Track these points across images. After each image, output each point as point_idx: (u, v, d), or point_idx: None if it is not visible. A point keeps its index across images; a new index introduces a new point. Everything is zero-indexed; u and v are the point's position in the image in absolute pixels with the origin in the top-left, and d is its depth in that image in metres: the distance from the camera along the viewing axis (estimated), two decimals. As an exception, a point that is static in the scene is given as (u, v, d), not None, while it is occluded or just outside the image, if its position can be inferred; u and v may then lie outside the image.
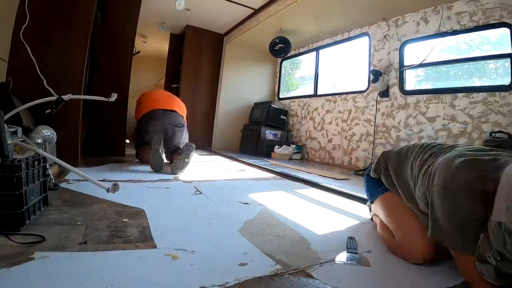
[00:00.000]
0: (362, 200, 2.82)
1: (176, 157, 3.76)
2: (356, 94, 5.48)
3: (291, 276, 1.28)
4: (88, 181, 1.99)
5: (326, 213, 2.45)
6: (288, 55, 6.94)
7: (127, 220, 1.82)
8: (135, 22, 4.94)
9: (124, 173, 3.48)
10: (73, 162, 3.57)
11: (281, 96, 7.87)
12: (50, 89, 2.99)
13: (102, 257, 1.31)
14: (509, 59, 3.49)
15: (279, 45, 6.28)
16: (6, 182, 1.49)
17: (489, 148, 1.33)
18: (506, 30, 3.53)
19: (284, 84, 8.20)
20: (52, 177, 2.48)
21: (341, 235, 1.88)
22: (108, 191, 1.88)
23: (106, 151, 4.80)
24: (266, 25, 5.92)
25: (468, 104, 3.80)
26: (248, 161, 5.27)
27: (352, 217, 2.34)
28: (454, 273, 1.36)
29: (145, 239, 1.56)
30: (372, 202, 2.08)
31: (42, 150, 2.62)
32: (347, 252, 1.57)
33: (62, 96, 2.40)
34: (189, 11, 5.99)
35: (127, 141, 5.28)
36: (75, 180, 2.84)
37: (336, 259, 1.48)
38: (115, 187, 1.87)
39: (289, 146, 6.36)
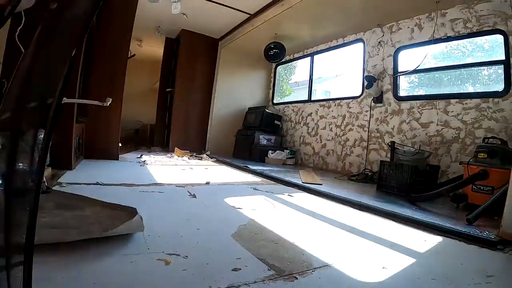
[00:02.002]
0: (352, 205, 2.84)
1: None
2: (350, 100, 5.50)
3: (284, 281, 1.27)
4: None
5: (318, 217, 2.44)
6: (283, 60, 6.97)
7: (119, 224, 1.80)
8: (131, 26, 4.93)
9: (117, 177, 3.45)
10: (66, 164, 3.58)
11: (275, 101, 7.87)
12: (44, 92, 2.97)
13: (94, 261, 1.30)
14: (502, 66, 3.52)
15: (274, 50, 6.30)
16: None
17: None
18: (499, 37, 3.56)
19: (279, 89, 8.21)
20: (44, 179, 2.46)
21: (334, 239, 1.88)
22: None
23: (100, 154, 4.77)
24: (261, 30, 5.93)
25: (461, 110, 3.83)
26: (241, 166, 5.26)
27: (342, 222, 2.34)
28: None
29: (137, 244, 1.54)
30: None
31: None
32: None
33: (55, 99, 2.39)
34: (184, 15, 6.00)
35: (120, 144, 5.25)
36: (68, 183, 2.81)
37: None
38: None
39: (283, 151, 6.36)
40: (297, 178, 4.24)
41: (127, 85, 4.97)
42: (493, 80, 3.80)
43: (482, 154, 2.91)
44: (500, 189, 2.37)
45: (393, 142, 4.00)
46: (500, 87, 3.54)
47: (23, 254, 0.67)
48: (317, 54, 6.61)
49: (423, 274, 1.45)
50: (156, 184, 3.27)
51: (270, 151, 6.33)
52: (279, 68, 8.00)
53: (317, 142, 6.11)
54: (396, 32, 4.77)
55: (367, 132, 5.04)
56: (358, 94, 5.38)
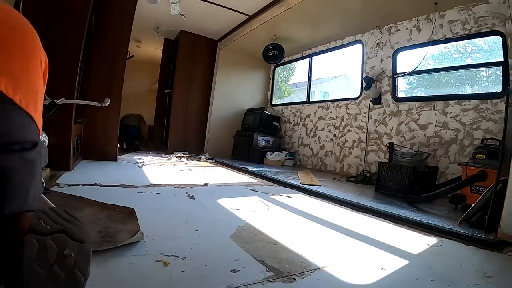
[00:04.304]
0: (350, 206, 2.84)
1: None
2: (349, 101, 5.51)
3: (283, 283, 1.27)
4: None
5: (317, 219, 2.44)
6: (282, 61, 6.96)
7: (118, 225, 1.80)
8: (129, 27, 4.93)
9: (115, 178, 3.44)
10: (64, 165, 3.57)
11: (273, 103, 7.88)
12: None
13: (92, 263, 1.29)
14: (500, 67, 3.53)
15: (273, 52, 6.30)
16: None
17: None
18: (498, 39, 3.57)
19: (277, 90, 8.20)
20: (43, 180, 2.45)
21: (333, 241, 1.88)
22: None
23: (98, 155, 4.77)
24: (260, 31, 5.94)
25: (460, 111, 3.84)
26: (240, 167, 5.26)
27: (341, 223, 2.34)
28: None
29: (136, 245, 1.54)
30: None
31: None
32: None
33: (55, 100, 2.39)
34: (183, 17, 6.00)
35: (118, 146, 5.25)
36: (67, 184, 2.81)
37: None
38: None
39: (282, 152, 6.36)
40: (296, 179, 4.24)
41: (126, 86, 4.97)
42: (492, 81, 3.81)
43: (480, 155, 2.91)
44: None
45: (391, 143, 4.01)
46: (498, 88, 3.55)
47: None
48: (316, 55, 6.63)
49: (422, 275, 1.44)
50: (155, 185, 3.26)
51: (268, 152, 6.33)
52: (278, 69, 8.01)
53: (316, 143, 6.12)
54: (394, 34, 4.78)
55: (365, 133, 5.05)
56: (356, 96, 5.38)
